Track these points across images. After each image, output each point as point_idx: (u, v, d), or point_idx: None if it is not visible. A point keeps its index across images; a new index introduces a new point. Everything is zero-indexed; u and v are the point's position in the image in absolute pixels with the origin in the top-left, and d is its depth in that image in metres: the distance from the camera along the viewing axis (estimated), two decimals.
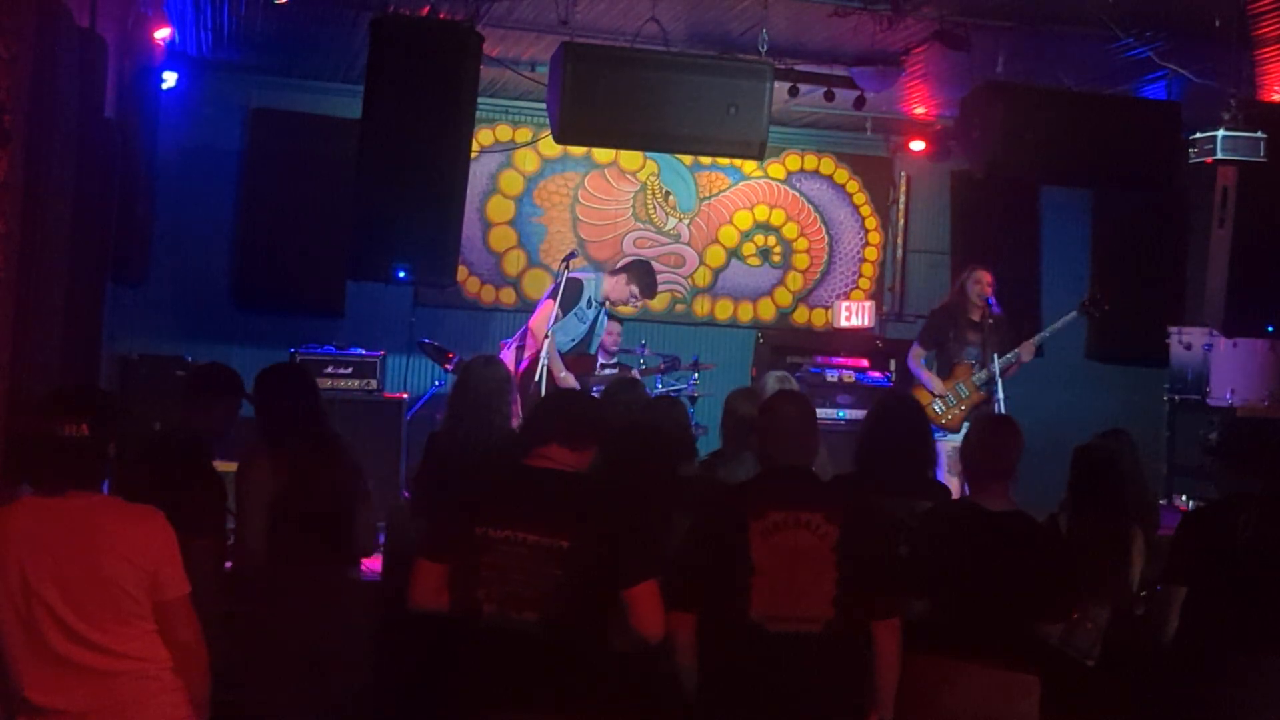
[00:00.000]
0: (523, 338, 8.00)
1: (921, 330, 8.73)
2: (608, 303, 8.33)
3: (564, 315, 7.93)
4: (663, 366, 8.84)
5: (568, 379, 7.67)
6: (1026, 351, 8.26)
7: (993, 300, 8.22)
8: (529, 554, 3.67)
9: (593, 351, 8.36)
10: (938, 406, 8.22)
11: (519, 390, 7.75)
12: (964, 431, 8.02)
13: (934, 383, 8.32)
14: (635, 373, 8.65)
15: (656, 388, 8.70)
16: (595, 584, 3.69)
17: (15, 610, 3.38)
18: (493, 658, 3.70)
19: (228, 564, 4.82)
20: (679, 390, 8.76)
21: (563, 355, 7.88)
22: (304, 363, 7.87)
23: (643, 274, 8.36)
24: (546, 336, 7.92)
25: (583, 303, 8.06)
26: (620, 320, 9.31)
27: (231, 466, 4.86)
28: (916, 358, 8.49)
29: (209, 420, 4.85)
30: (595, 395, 7.82)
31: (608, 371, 8.92)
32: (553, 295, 7.91)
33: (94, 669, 3.39)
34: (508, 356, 7.97)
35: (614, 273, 8.34)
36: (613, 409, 5.03)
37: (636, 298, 8.37)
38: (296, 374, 5.04)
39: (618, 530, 3.74)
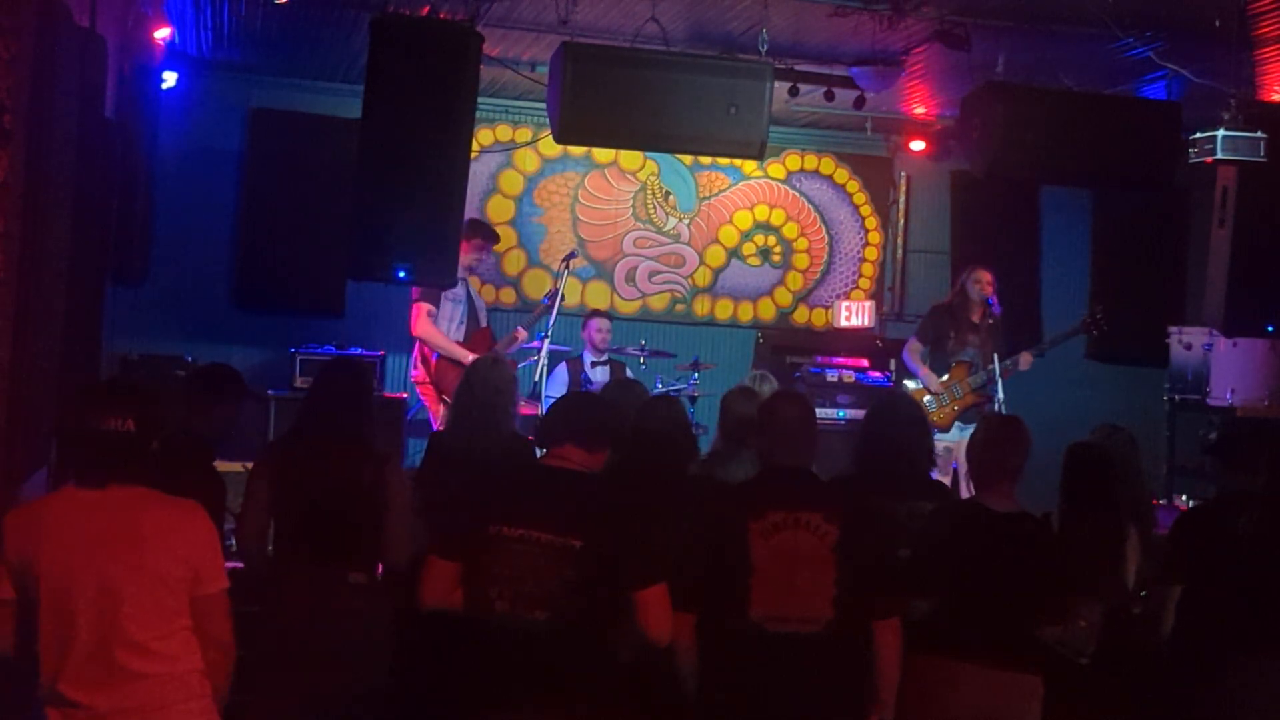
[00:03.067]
0: (421, 349, 7.96)
1: (919, 325, 8.74)
2: (469, 272, 8.25)
3: (438, 309, 7.93)
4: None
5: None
6: (1025, 361, 8.27)
7: (992, 300, 8.23)
8: (541, 553, 3.67)
9: (483, 324, 8.32)
10: (930, 403, 8.23)
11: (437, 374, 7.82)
12: (954, 431, 8.13)
13: (929, 379, 8.34)
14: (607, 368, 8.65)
15: (657, 386, 8.70)
16: (606, 584, 3.70)
17: (55, 602, 3.37)
18: (502, 656, 3.70)
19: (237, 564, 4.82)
20: (679, 390, 8.76)
21: (463, 343, 7.88)
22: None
23: (475, 230, 8.29)
24: (545, 337, 7.95)
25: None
26: (610, 317, 9.31)
27: (234, 466, 4.86)
28: (913, 352, 8.51)
29: (209, 421, 4.84)
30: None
31: (599, 370, 8.94)
32: (420, 298, 7.89)
33: (128, 668, 3.38)
34: (419, 374, 7.99)
35: None
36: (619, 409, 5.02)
37: (488, 250, 8.35)
38: (335, 372, 4.99)
39: (630, 532, 3.75)
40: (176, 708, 3.45)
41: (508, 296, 10.09)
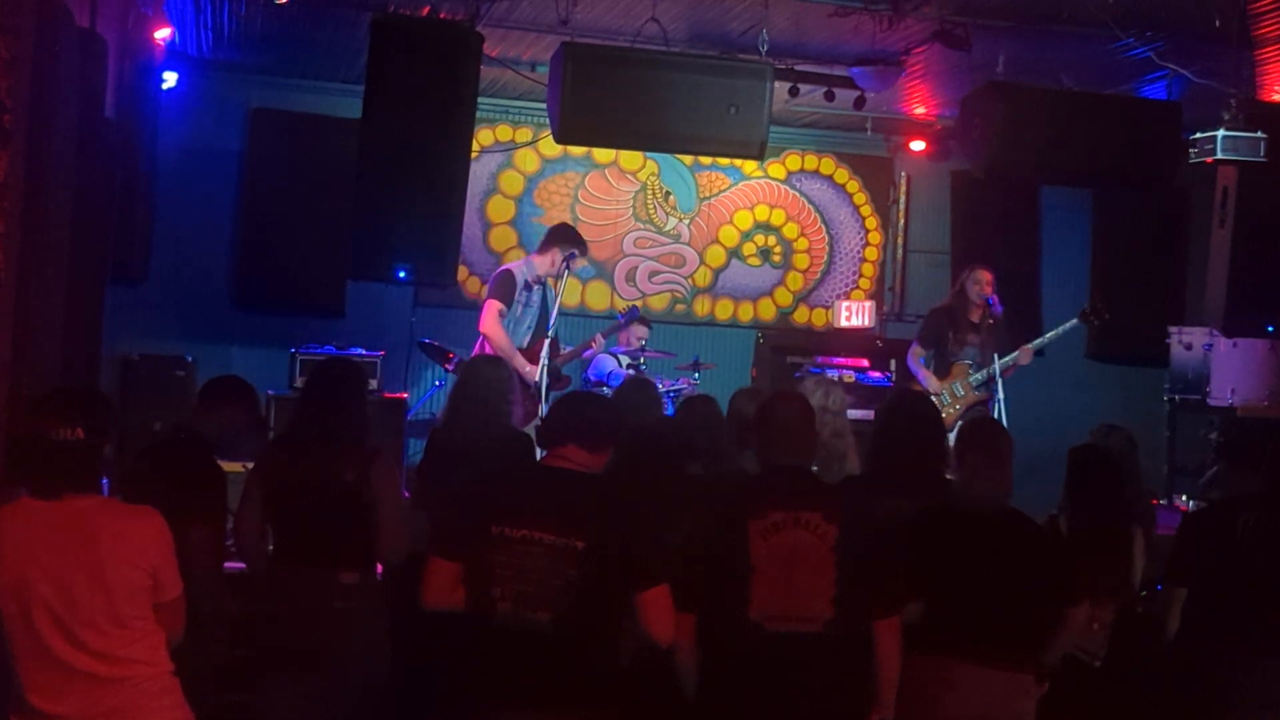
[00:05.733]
0: (482, 346, 7.85)
1: (920, 329, 8.72)
2: (550, 280, 8.11)
3: (509, 309, 7.83)
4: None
5: (533, 373, 7.57)
6: (1025, 356, 8.25)
7: (993, 300, 8.21)
8: (544, 553, 3.67)
9: (551, 334, 8.25)
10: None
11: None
12: (955, 430, 8.10)
13: (930, 381, 8.31)
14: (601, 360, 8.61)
15: (658, 386, 8.69)
16: (609, 585, 3.69)
17: (18, 613, 3.37)
18: (504, 656, 3.70)
19: (241, 565, 4.83)
20: (679, 390, 8.77)
21: (524, 350, 7.83)
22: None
23: (567, 237, 8.11)
24: (546, 336, 7.92)
25: (520, 288, 7.87)
26: (649, 324, 9.31)
27: (235, 467, 4.87)
28: (915, 356, 8.49)
29: (212, 423, 4.85)
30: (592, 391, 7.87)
31: (605, 364, 8.94)
32: (492, 294, 7.81)
33: (95, 675, 3.39)
34: None
35: (541, 251, 8.03)
36: (625, 410, 5.01)
37: (574, 256, 8.09)
38: (326, 372, 4.97)
39: (633, 532, 3.74)
40: (146, 709, 3.46)
41: None
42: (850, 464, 5.35)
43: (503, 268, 8.16)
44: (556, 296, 7.88)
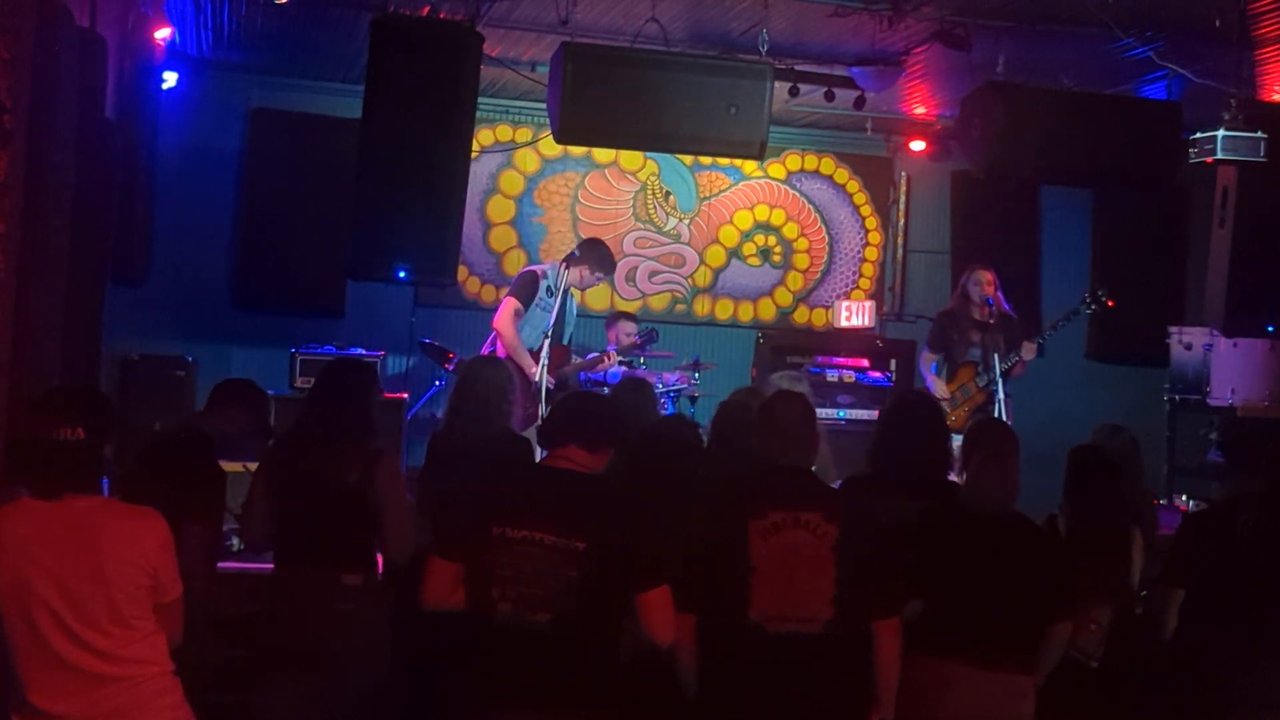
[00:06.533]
0: (494, 341, 8.01)
1: (927, 335, 8.73)
2: (574, 290, 8.30)
3: (525, 310, 7.94)
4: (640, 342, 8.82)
5: (537, 373, 7.60)
6: (1028, 351, 8.24)
7: (993, 300, 8.20)
8: (545, 554, 3.67)
9: (565, 342, 8.30)
10: (943, 409, 8.21)
11: None
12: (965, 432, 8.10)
13: (938, 386, 8.32)
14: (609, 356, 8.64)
15: (658, 386, 8.69)
16: (609, 586, 3.69)
17: (19, 613, 3.38)
18: (504, 657, 3.70)
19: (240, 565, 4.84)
20: (679, 390, 8.76)
21: (533, 350, 7.85)
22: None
23: (599, 256, 8.30)
24: (546, 335, 7.93)
25: (541, 292, 8.02)
26: (637, 320, 9.31)
27: (235, 467, 4.88)
28: (926, 363, 8.52)
29: (219, 421, 4.87)
30: (587, 391, 7.86)
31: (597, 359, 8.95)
32: (512, 292, 8.03)
33: (96, 674, 3.39)
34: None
35: (572, 262, 8.16)
36: (622, 410, 5.00)
37: (600, 278, 8.41)
38: (334, 371, 4.97)
39: (633, 534, 3.74)
40: (151, 704, 3.46)
41: None
42: (820, 462, 5.34)
43: (528, 268, 8.36)
44: (576, 308, 7.97)
